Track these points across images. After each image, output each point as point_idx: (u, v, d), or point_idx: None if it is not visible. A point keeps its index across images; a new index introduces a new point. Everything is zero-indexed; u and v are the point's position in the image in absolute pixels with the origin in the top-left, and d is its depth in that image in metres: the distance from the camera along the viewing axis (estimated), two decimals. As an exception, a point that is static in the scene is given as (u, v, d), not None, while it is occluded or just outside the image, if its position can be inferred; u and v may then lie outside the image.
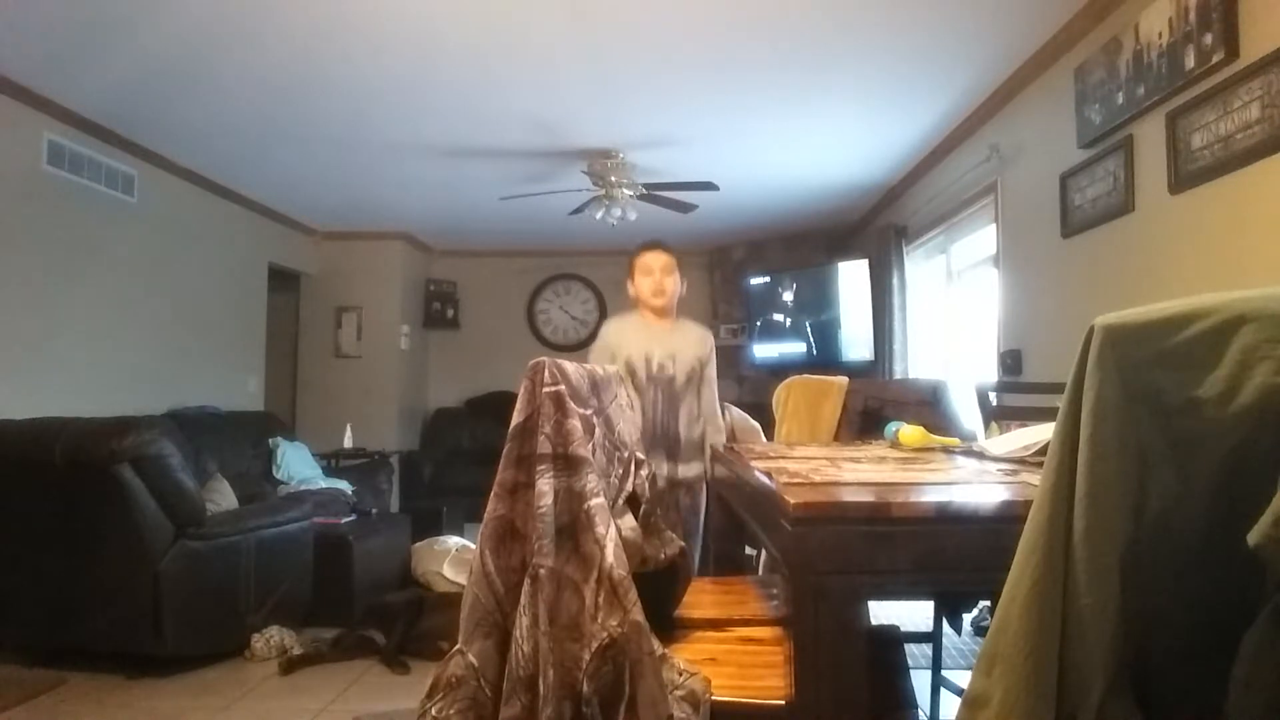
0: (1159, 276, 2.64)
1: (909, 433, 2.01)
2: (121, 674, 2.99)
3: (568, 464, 1.15)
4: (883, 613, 3.17)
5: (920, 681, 2.32)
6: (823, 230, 6.84)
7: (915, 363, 5.30)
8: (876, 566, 1.09)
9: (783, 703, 1.18)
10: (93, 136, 4.15)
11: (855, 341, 5.79)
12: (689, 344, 2.90)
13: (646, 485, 1.48)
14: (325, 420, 6.52)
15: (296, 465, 5.01)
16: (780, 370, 5.62)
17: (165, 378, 4.84)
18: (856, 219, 6.44)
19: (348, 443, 6.14)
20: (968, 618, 2.95)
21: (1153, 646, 0.71)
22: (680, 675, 1.19)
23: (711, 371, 2.94)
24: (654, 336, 2.85)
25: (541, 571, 1.11)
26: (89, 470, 2.86)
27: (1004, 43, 3.29)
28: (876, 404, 2.82)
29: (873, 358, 5.58)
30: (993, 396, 2.76)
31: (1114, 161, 2.85)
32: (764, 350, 6.60)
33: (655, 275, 2.85)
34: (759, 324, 6.63)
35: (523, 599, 1.11)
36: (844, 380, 2.99)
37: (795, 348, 6.27)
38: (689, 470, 2.82)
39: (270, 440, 5.02)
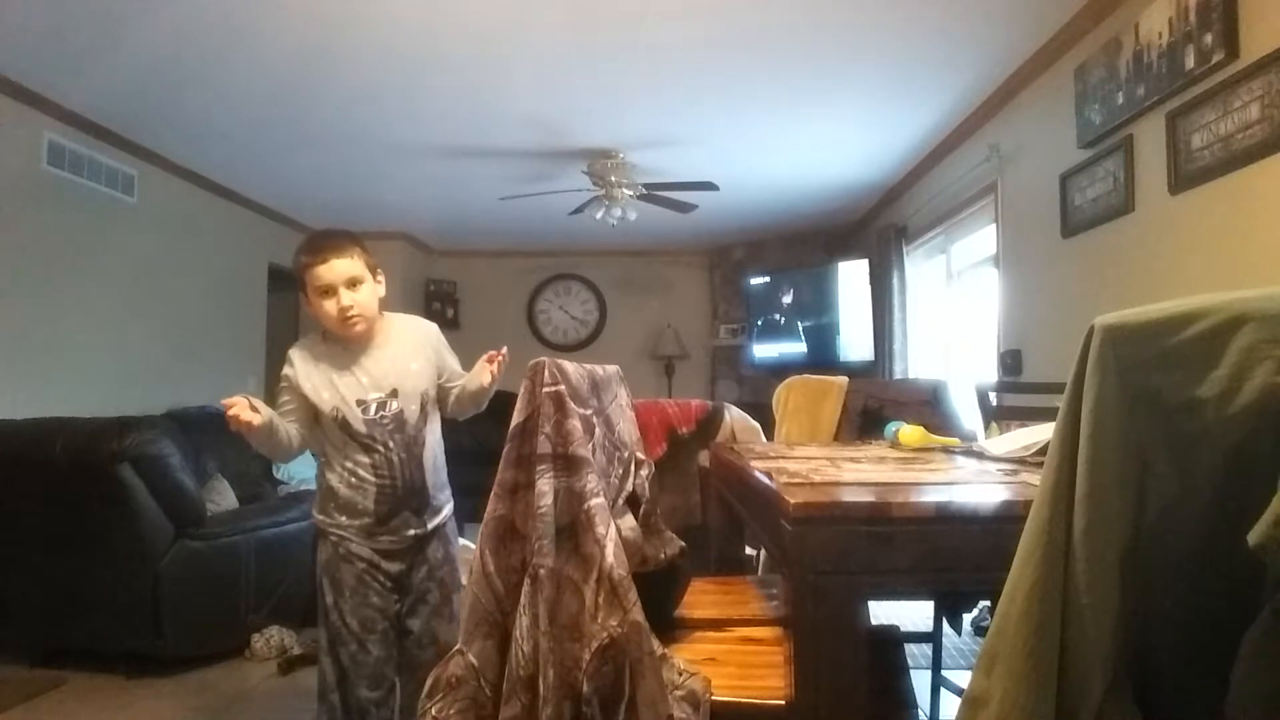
0: (1159, 276, 2.64)
1: (909, 433, 2.01)
2: (121, 674, 2.99)
3: (568, 464, 1.15)
4: (883, 613, 3.17)
5: (920, 681, 2.32)
6: (823, 230, 6.84)
7: (915, 363, 5.30)
8: (876, 566, 1.09)
9: (783, 703, 1.18)
10: (93, 136, 4.15)
11: (855, 341, 5.79)
12: (407, 358, 2.07)
13: (646, 485, 1.48)
14: (325, 420, 6.51)
15: (296, 465, 5.00)
16: (780, 370, 5.62)
17: (165, 378, 4.84)
18: (856, 219, 6.44)
19: (348, 443, 6.12)
20: (968, 618, 2.95)
21: (1153, 646, 0.71)
22: (680, 675, 1.19)
23: (448, 360, 2.16)
24: (360, 368, 2.01)
25: (541, 571, 1.11)
26: (89, 470, 2.86)
27: (1004, 43, 3.29)
28: (876, 404, 2.82)
29: (873, 358, 5.58)
30: (993, 396, 2.76)
31: (1114, 161, 2.85)
32: (764, 350, 6.60)
33: (339, 293, 1.95)
34: (759, 324, 6.63)
35: (523, 599, 1.11)
36: (844, 380, 3.00)
37: (795, 348, 6.27)
38: (438, 516, 2.13)
39: (270, 440, 5.01)
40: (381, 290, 2.07)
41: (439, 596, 2.13)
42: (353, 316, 1.96)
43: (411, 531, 2.07)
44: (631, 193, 4.80)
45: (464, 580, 1.32)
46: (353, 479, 2.01)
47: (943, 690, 2.44)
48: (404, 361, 2.06)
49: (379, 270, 2.09)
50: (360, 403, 1.99)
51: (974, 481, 1.42)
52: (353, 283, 1.97)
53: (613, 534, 1.14)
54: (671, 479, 2.92)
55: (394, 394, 2.02)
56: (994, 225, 3.95)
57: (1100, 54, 2.89)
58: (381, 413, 2.01)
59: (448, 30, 3.15)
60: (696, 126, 4.29)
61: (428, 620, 2.12)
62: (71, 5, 2.93)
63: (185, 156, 4.76)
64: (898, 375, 5.22)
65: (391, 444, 2.01)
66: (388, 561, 2.06)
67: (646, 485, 1.48)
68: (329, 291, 1.96)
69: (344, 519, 2.02)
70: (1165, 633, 0.71)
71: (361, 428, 1.99)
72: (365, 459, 2.00)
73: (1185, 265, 2.51)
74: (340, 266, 1.96)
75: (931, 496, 1.23)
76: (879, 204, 5.88)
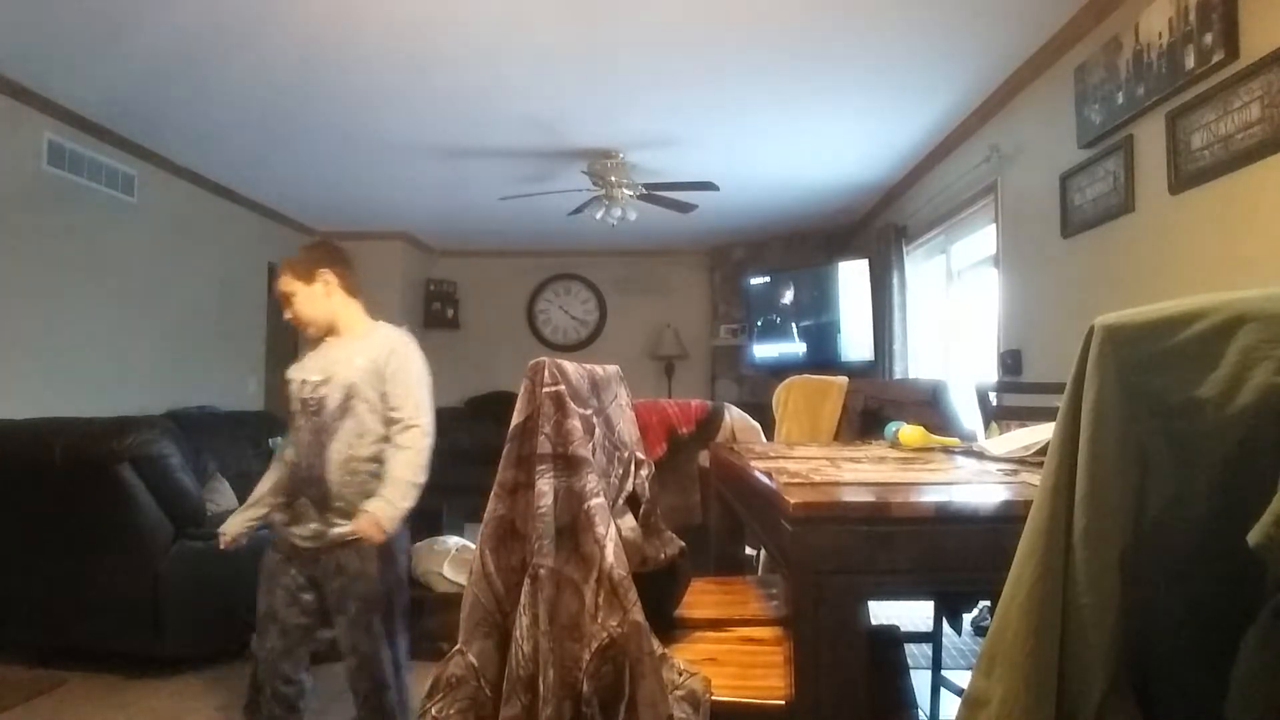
0: (1159, 276, 2.64)
1: (909, 433, 2.01)
2: (121, 674, 2.99)
3: (568, 464, 1.15)
4: (883, 613, 3.17)
5: (920, 681, 2.32)
6: (823, 230, 6.84)
7: (915, 363, 5.30)
8: (876, 566, 1.09)
9: (783, 703, 1.18)
10: (93, 136, 4.15)
11: (855, 341, 5.79)
12: (357, 353, 2.16)
13: (646, 485, 1.48)
14: (325, 420, 6.51)
15: (296, 465, 5.00)
16: (780, 370, 5.62)
17: (165, 378, 4.84)
18: (856, 219, 6.44)
19: (348, 443, 6.12)
20: (968, 618, 2.96)
21: (1153, 646, 0.71)
22: (680, 675, 1.19)
23: (401, 377, 2.14)
24: (317, 353, 2.25)
25: (541, 571, 1.11)
26: (89, 470, 2.85)
27: (1004, 43, 3.29)
28: (876, 404, 2.82)
29: (873, 358, 5.58)
30: (993, 396, 2.77)
31: (1114, 161, 2.85)
32: (764, 350, 6.60)
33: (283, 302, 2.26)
34: (759, 324, 6.63)
35: (523, 599, 1.11)
36: (844, 380, 3.00)
37: (795, 348, 6.27)
38: (350, 524, 2.07)
39: (270, 440, 5.01)
40: (320, 290, 2.21)
41: (356, 609, 2.07)
42: (293, 317, 2.25)
43: (312, 525, 2.10)
44: (631, 193, 4.80)
45: (465, 580, 1.31)
46: (288, 453, 2.19)
47: (943, 690, 2.44)
48: (351, 356, 2.17)
49: (319, 272, 2.21)
50: (304, 382, 2.18)
51: (974, 481, 1.42)
52: (286, 298, 2.22)
53: (613, 534, 1.14)
54: (671, 479, 2.93)
55: (326, 380, 2.14)
56: (994, 225, 3.95)
57: (1100, 54, 2.89)
58: (312, 394, 2.15)
59: (448, 30, 3.15)
60: (696, 126, 4.29)
61: (346, 631, 2.09)
62: (71, 5, 2.93)
63: (185, 156, 4.76)
64: (898, 375, 5.22)
65: (307, 425, 2.14)
66: (301, 559, 2.11)
67: (646, 485, 1.48)
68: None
69: (282, 499, 2.17)
70: (1165, 633, 0.71)
71: (296, 404, 2.18)
72: (294, 435, 2.19)
73: (1185, 265, 2.51)
74: (279, 286, 2.24)
75: (931, 496, 1.23)
76: (879, 204, 5.88)
